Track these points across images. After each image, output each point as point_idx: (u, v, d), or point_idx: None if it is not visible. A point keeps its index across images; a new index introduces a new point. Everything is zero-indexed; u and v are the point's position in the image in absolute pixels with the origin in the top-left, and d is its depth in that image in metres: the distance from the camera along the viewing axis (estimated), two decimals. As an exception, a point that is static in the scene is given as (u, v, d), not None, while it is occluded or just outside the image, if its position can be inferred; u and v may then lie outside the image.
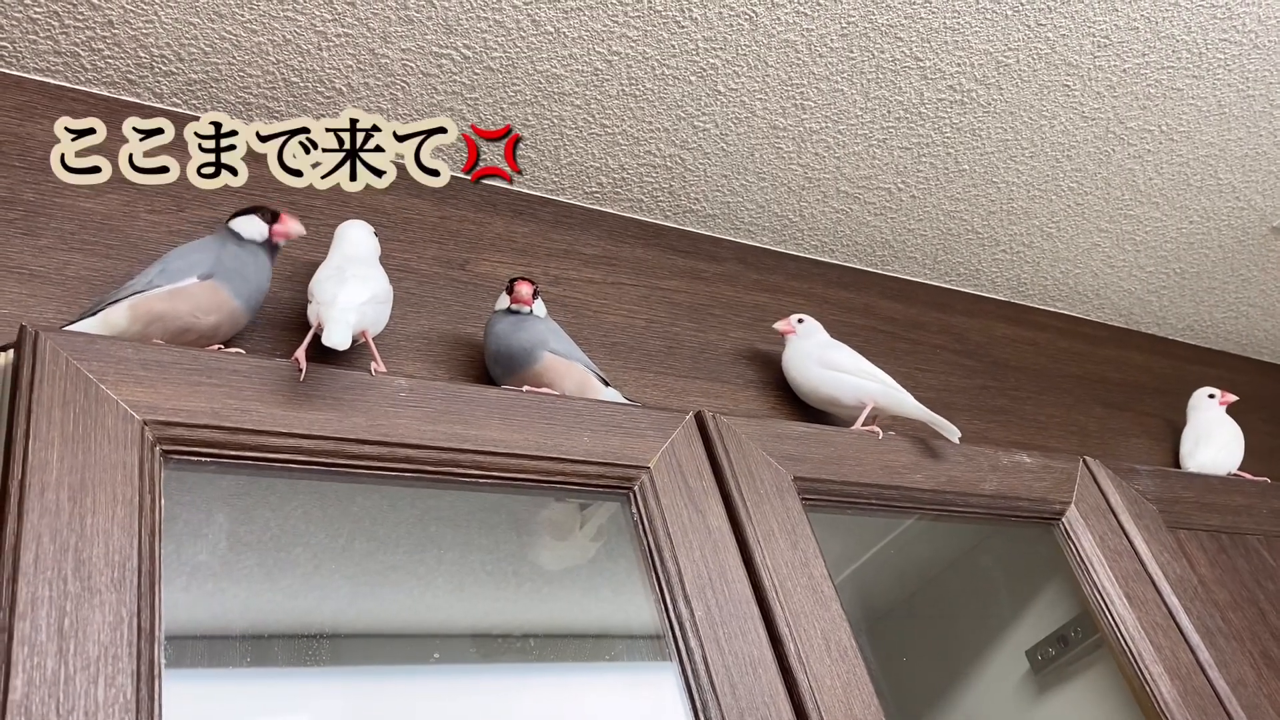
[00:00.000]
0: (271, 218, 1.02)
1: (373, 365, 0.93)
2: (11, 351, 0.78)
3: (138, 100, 1.15)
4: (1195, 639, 1.22)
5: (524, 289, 1.12)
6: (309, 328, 0.96)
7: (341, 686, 0.91)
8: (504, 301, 1.13)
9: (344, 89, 1.21)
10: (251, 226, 1.00)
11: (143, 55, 1.12)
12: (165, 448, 0.78)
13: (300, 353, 0.88)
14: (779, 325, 1.38)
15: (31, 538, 0.69)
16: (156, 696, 0.68)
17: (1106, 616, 1.21)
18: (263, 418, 0.83)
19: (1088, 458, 1.34)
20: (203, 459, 0.81)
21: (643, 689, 0.99)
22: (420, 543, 1.00)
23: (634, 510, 0.97)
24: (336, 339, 0.90)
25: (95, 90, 1.13)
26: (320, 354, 1.08)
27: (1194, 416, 1.76)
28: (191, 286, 0.94)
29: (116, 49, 1.10)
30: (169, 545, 0.76)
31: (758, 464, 1.06)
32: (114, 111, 1.13)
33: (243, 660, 0.86)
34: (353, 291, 0.97)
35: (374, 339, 0.99)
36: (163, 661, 0.70)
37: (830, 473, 1.11)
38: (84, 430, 0.75)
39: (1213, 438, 1.69)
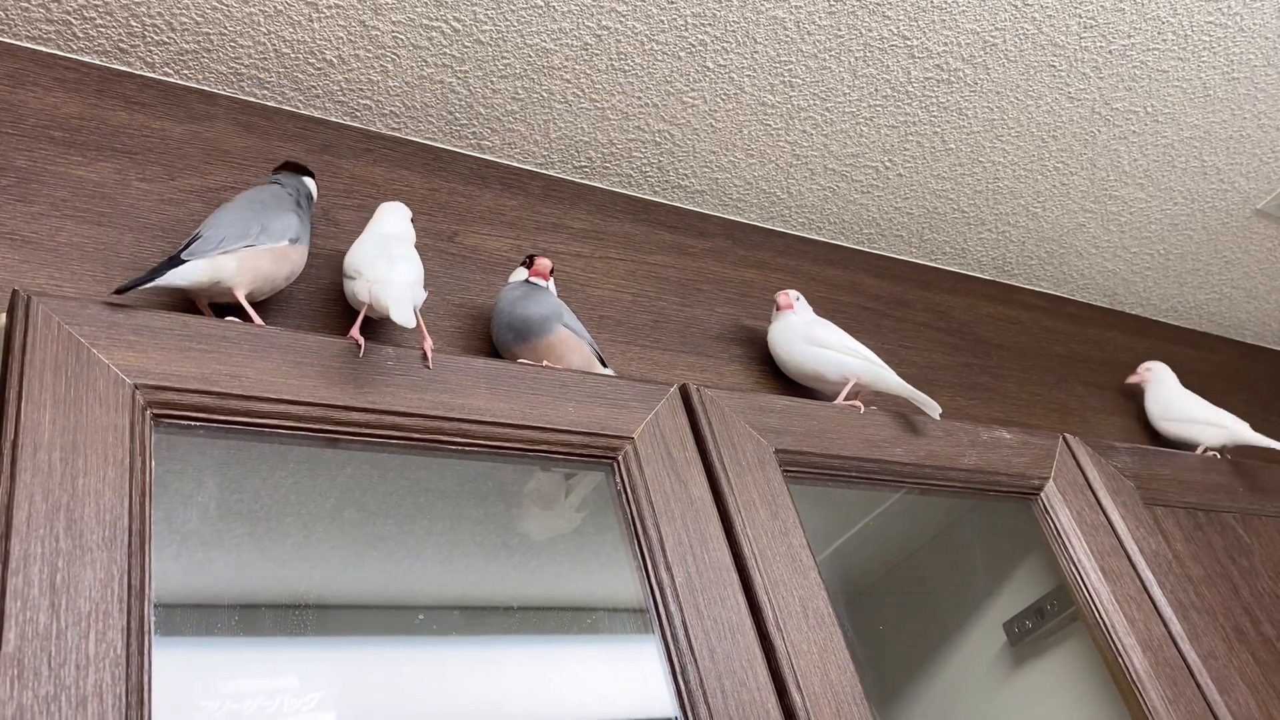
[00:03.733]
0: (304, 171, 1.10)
1: (425, 345, 0.94)
2: (4, 315, 0.79)
3: (129, 69, 1.16)
4: (1168, 612, 1.25)
5: (544, 262, 1.16)
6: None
7: (329, 655, 0.92)
8: (520, 274, 1.16)
9: (335, 60, 1.22)
10: (309, 185, 1.08)
11: (134, 24, 1.12)
12: (156, 411, 0.80)
13: (355, 331, 0.91)
14: (779, 297, 1.39)
15: (24, 496, 0.70)
16: (146, 652, 0.69)
17: (1082, 590, 1.24)
18: (252, 384, 0.84)
19: (1067, 434, 1.36)
20: (193, 423, 0.83)
21: (625, 659, 1.00)
22: (410, 513, 1.01)
23: (618, 479, 0.99)
24: (404, 317, 0.92)
25: (87, 59, 1.14)
26: (314, 324, 1.09)
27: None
28: (289, 248, 1.00)
29: (108, 17, 1.11)
30: (159, 512, 0.78)
31: (740, 436, 1.07)
32: (106, 80, 1.13)
33: (232, 629, 0.88)
34: (405, 270, 0.99)
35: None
36: (153, 619, 0.71)
37: (812, 445, 1.13)
38: (75, 393, 0.76)
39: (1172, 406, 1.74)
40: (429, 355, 0.94)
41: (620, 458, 0.99)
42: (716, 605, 0.93)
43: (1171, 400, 1.73)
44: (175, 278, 0.91)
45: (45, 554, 0.69)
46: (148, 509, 0.75)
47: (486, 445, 0.95)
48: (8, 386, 0.75)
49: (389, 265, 0.99)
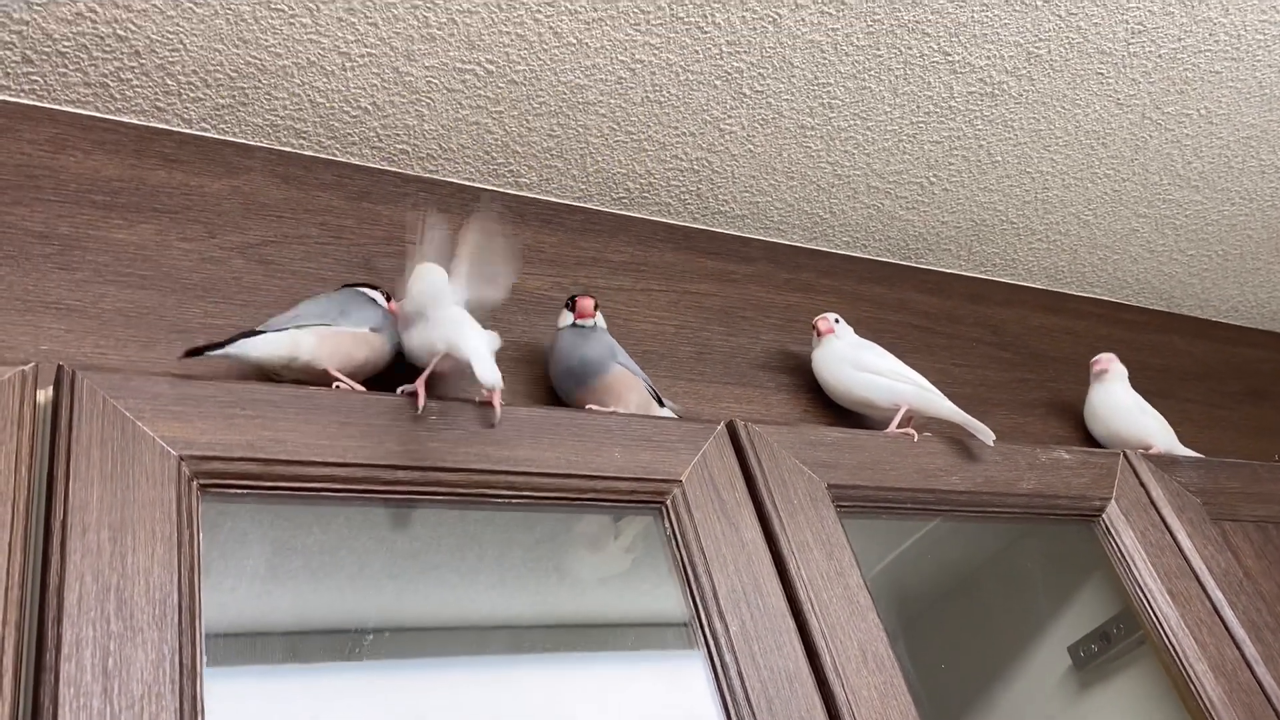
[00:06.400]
0: (387, 298, 1.09)
1: (494, 413, 0.93)
2: (50, 389, 0.80)
3: (167, 127, 1.17)
4: (1241, 634, 1.20)
5: (586, 303, 1.15)
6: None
7: (383, 681, 0.92)
8: (567, 318, 1.15)
9: (369, 107, 1.21)
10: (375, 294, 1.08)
11: (170, 83, 1.13)
12: (202, 482, 0.80)
13: (421, 382, 0.92)
14: (819, 323, 1.35)
15: (74, 578, 0.70)
16: (199, 731, 0.69)
17: (1149, 613, 1.20)
18: (297, 448, 0.84)
19: (1128, 450, 1.33)
20: (240, 491, 0.82)
21: (682, 682, 0.99)
22: (461, 541, 1.00)
23: (667, 524, 0.98)
24: (494, 379, 0.91)
25: (125, 119, 1.14)
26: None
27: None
28: (370, 335, 1.01)
29: (144, 78, 1.12)
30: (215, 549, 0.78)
31: (791, 472, 1.05)
32: (144, 139, 1.14)
33: (286, 657, 0.88)
34: (483, 336, 0.98)
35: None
36: (204, 699, 0.71)
37: (865, 479, 1.11)
38: (122, 468, 0.76)
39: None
40: (497, 409, 0.93)
41: (669, 502, 0.98)
42: (773, 654, 0.91)
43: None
44: (249, 347, 0.93)
45: (97, 637, 0.69)
46: (197, 583, 0.75)
47: (533, 496, 0.94)
48: (55, 464, 0.75)
49: (470, 329, 0.97)
